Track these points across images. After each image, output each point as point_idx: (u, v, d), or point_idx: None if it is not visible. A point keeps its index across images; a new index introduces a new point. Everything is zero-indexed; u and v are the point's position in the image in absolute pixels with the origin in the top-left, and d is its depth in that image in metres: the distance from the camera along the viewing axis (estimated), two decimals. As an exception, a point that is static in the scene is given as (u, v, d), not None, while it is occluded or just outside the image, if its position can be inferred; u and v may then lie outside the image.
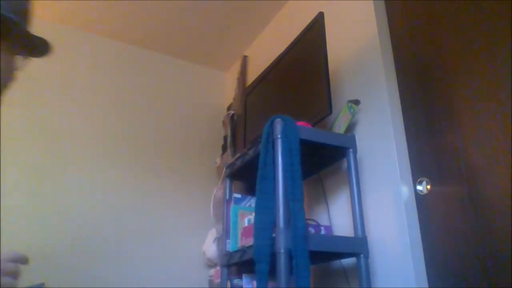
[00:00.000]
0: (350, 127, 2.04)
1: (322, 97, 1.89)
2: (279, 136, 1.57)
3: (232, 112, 2.09)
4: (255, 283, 1.67)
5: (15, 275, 0.78)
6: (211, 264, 2.47)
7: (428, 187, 1.68)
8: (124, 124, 3.17)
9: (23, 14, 0.92)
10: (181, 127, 3.34)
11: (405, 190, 1.74)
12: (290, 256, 1.39)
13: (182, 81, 3.59)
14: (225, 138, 2.60)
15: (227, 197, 1.99)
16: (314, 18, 2.06)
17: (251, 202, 1.91)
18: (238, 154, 1.96)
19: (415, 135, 1.79)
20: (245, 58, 3.01)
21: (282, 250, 1.39)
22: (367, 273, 1.56)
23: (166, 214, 3.03)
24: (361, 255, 1.58)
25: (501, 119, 1.44)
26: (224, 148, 2.36)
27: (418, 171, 1.74)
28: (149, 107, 3.30)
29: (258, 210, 1.52)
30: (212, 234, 2.37)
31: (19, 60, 1.00)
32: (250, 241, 1.60)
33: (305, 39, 2.13)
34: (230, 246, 1.81)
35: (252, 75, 3.17)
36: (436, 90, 1.72)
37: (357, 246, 1.59)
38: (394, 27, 2.01)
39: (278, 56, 2.37)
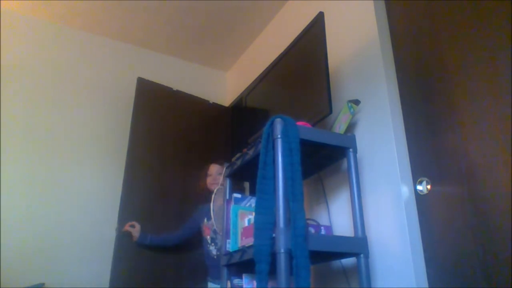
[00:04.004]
0: (350, 127, 2.04)
1: (322, 97, 1.89)
2: (279, 136, 1.57)
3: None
4: (255, 283, 1.67)
5: None
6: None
7: (428, 187, 1.68)
8: (124, 125, 3.17)
9: None
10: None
11: (405, 190, 1.74)
12: (290, 256, 1.39)
13: (183, 81, 3.59)
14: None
15: (227, 197, 1.99)
16: (314, 18, 2.06)
17: (251, 202, 1.90)
18: (238, 154, 1.96)
19: (415, 135, 1.78)
20: None
21: (282, 250, 1.39)
22: (367, 273, 1.56)
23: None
24: (361, 255, 1.58)
25: (501, 119, 1.44)
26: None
27: (418, 171, 1.74)
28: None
29: (258, 210, 1.52)
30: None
31: None
32: (250, 241, 1.60)
33: (305, 39, 2.13)
34: (230, 246, 1.81)
35: (252, 75, 3.17)
36: (436, 90, 1.72)
37: (357, 246, 1.59)
38: (394, 27, 2.01)
39: (278, 56, 2.37)
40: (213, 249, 2.37)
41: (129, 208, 2.68)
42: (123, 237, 2.58)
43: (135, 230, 2.57)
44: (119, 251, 2.57)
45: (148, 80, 3.06)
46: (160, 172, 2.90)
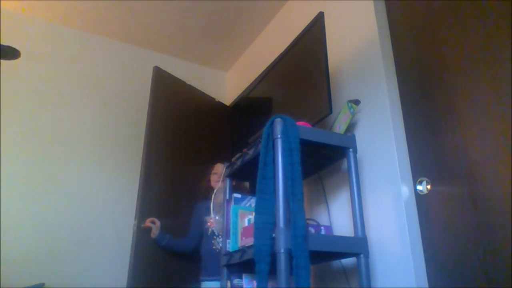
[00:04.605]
0: (350, 127, 2.04)
1: (322, 97, 1.89)
2: (279, 136, 1.57)
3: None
4: (255, 283, 1.67)
5: None
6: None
7: (428, 187, 1.68)
8: (124, 125, 3.17)
9: None
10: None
11: (405, 190, 1.74)
12: (290, 256, 1.39)
13: (183, 81, 3.59)
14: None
15: (227, 197, 1.99)
16: (314, 18, 2.06)
17: (251, 202, 1.90)
18: (238, 154, 1.96)
19: (415, 135, 1.78)
20: None
21: (282, 250, 1.39)
22: (367, 273, 1.56)
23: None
24: (361, 255, 1.58)
25: (501, 119, 1.44)
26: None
27: (418, 171, 1.74)
28: (149, 107, 3.29)
29: (258, 210, 1.52)
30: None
31: None
32: (250, 241, 1.60)
33: (305, 39, 2.13)
34: (230, 246, 1.81)
35: (252, 75, 3.17)
36: (436, 90, 1.72)
37: (357, 246, 1.59)
38: (394, 27, 2.01)
39: (278, 56, 2.38)
40: (218, 241, 2.37)
41: (146, 204, 2.56)
42: (141, 234, 2.46)
43: (155, 226, 2.49)
44: (137, 248, 2.43)
45: (164, 71, 2.98)
46: (174, 167, 2.83)
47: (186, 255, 2.57)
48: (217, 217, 2.40)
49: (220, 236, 2.37)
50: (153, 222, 2.50)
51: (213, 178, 2.61)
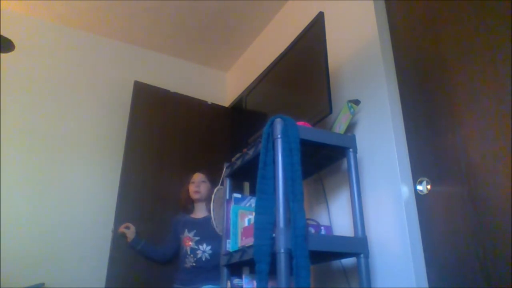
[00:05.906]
0: (350, 127, 2.04)
1: (322, 97, 1.89)
2: (279, 136, 1.57)
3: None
4: (255, 283, 1.67)
5: None
6: None
7: (428, 187, 1.68)
8: (124, 125, 3.17)
9: None
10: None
11: (405, 190, 1.74)
12: (290, 256, 1.39)
13: (183, 82, 3.59)
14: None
15: (227, 197, 1.99)
16: (314, 18, 2.06)
17: (251, 202, 1.90)
18: (238, 154, 1.96)
19: (415, 135, 1.78)
20: None
21: (282, 250, 1.39)
22: (367, 273, 1.56)
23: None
24: (361, 255, 1.58)
25: (501, 119, 1.44)
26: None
27: (418, 171, 1.74)
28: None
29: (258, 210, 1.51)
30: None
31: None
32: (250, 241, 1.60)
33: (305, 39, 2.13)
34: (230, 246, 1.81)
35: (252, 75, 3.17)
36: (436, 90, 1.72)
37: (357, 246, 1.59)
38: (394, 27, 2.01)
39: (278, 56, 2.38)
40: (191, 260, 2.40)
41: (125, 210, 2.68)
42: (118, 238, 2.58)
43: (130, 231, 2.58)
44: (114, 252, 2.56)
45: (144, 83, 3.08)
46: (157, 174, 2.91)
47: (158, 262, 2.62)
48: (190, 233, 2.45)
49: (191, 256, 2.40)
50: (127, 227, 2.58)
51: (191, 188, 2.61)
